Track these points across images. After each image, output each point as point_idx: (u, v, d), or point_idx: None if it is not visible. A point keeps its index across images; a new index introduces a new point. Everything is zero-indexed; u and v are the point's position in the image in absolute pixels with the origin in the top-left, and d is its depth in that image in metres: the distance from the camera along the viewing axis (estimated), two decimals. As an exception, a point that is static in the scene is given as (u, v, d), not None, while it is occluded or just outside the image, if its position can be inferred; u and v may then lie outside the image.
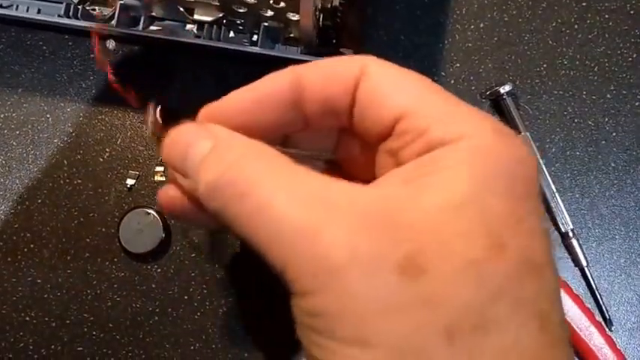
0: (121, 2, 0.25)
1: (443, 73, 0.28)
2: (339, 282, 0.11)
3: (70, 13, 0.26)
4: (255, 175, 0.12)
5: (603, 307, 0.25)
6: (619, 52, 0.27)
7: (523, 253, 0.11)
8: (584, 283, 0.25)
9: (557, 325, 0.12)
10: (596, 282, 0.25)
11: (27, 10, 0.27)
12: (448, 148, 0.12)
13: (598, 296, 0.25)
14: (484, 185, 0.12)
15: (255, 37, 0.25)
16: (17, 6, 0.27)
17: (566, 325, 0.12)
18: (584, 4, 0.28)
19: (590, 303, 0.25)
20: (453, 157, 0.12)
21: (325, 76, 0.14)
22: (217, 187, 0.13)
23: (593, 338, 0.24)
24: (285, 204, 0.12)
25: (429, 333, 0.11)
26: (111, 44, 0.28)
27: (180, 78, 0.28)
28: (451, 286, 0.11)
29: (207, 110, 0.15)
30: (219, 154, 0.13)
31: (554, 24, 0.28)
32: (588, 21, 0.28)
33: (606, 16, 0.28)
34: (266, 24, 0.25)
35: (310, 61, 0.25)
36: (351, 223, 0.11)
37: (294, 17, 0.23)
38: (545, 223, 0.13)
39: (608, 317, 0.25)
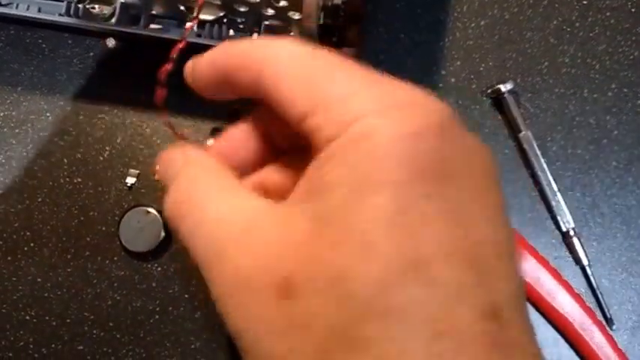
0: (122, 1, 0.25)
1: (443, 72, 0.27)
2: (240, 303, 0.11)
3: (71, 12, 0.26)
4: (193, 199, 0.13)
5: (604, 306, 0.25)
6: (620, 50, 0.27)
7: (399, 251, 0.10)
8: (585, 282, 0.25)
9: (462, 332, 0.10)
10: (597, 281, 0.25)
11: (27, 9, 0.27)
12: (329, 147, 0.12)
13: (599, 295, 0.25)
14: (357, 184, 0.11)
15: (255, 36, 0.25)
16: (17, 5, 0.27)
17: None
18: (585, 2, 0.28)
19: (591, 302, 0.25)
20: (331, 159, 0.11)
21: (237, 65, 0.14)
22: (168, 209, 0.14)
23: (594, 337, 0.24)
24: (205, 229, 0.13)
25: (301, 357, 0.10)
26: (110, 42, 0.28)
27: (181, 77, 0.28)
28: (316, 307, 0.10)
29: (190, 65, 0.16)
30: (180, 175, 0.14)
31: (555, 22, 0.28)
32: (589, 19, 0.28)
33: (608, 14, 0.28)
34: (267, 23, 0.24)
35: None
36: (248, 245, 0.12)
37: (296, 16, 0.23)
38: (451, 206, 0.11)
39: (609, 316, 0.25)
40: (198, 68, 0.15)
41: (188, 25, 0.18)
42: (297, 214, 0.12)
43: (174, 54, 0.16)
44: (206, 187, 0.13)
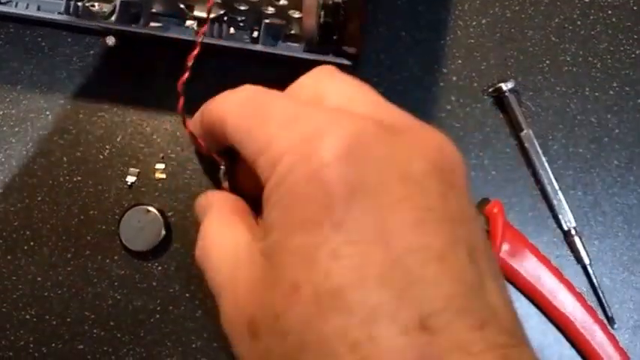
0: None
1: (444, 70, 0.27)
2: (231, 338, 0.13)
3: (70, 10, 0.26)
4: (204, 229, 0.16)
5: (605, 305, 0.25)
6: (622, 48, 0.27)
7: (316, 287, 0.11)
8: (586, 281, 0.25)
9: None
10: (598, 280, 0.25)
11: (26, 7, 0.27)
12: (265, 193, 0.13)
13: (600, 294, 0.25)
14: (283, 225, 0.12)
15: (255, 34, 0.25)
16: (17, 3, 0.27)
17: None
18: (586, 0, 0.28)
19: (592, 301, 0.25)
20: (267, 202, 0.13)
21: (206, 124, 0.17)
22: (196, 250, 0.16)
23: (596, 336, 0.24)
24: (205, 254, 0.15)
25: None
26: (110, 40, 0.28)
27: (180, 75, 0.27)
28: (271, 343, 0.12)
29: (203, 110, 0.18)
30: (202, 223, 0.16)
31: (556, 20, 0.28)
32: (591, 17, 0.28)
33: (609, 12, 0.28)
34: (267, 21, 0.24)
35: (312, 59, 0.25)
36: (233, 284, 0.13)
37: (296, 14, 0.23)
38: (355, 231, 0.11)
39: (610, 315, 0.25)
40: (192, 128, 0.18)
41: (200, 30, 0.18)
42: (257, 252, 0.13)
43: (190, 62, 0.17)
44: (215, 227, 0.15)
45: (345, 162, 0.11)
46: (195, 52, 0.17)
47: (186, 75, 0.17)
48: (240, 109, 0.15)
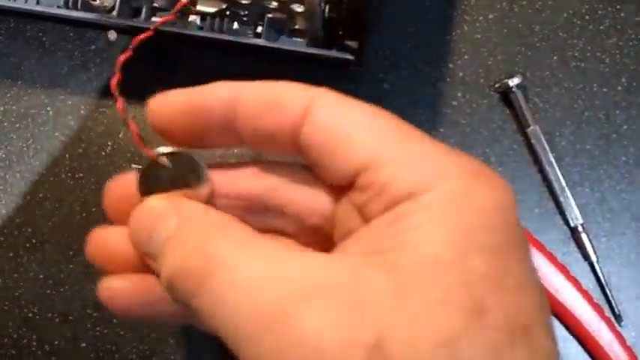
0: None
1: (451, 65, 0.27)
2: None
3: (70, 4, 0.26)
4: (214, 259, 0.11)
5: (613, 303, 0.25)
6: (631, 43, 0.27)
7: (507, 315, 0.10)
8: (593, 279, 0.25)
9: None
10: (605, 277, 0.25)
11: (25, 1, 0.27)
12: (415, 202, 0.11)
13: (608, 292, 0.25)
14: (459, 243, 0.10)
15: (259, 29, 0.25)
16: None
17: None
18: (595, -6, 0.27)
19: (599, 298, 0.25)
20: (421, 213, 0.11)
21: (263, 105, 0.13)
22: (177, 277, 0.11)
23: (603, 334, 0.24)
24: (245, 291, 0.10)
25: None
26: (112, 35, 0.27)
27: (183, 70, 0.27)
28: None
29: (156, 102, 0.14)
30: (181, 236, 0.12)
31: (564, 15, 0.27)
32: (600, 12, 0.27)
33: (618, 6, 0.27)
34: (270, 15, 0.24)
35: (316, 54, 0.25)
36: (316, 305, 0.10)
37: (299, 9, 0.22)
38: (536, 275, 0.11)
39: (617, 313, 0.25)
40: (166, 109, 0.13)
41: (163, 18, 0.16)
42: (371, 270, 0.10)
43: (134, 44, 0.15)
44: (227, 245, 0.11)
45: (509, 205, 0.12)
46: (141, 36, 0.14)
47: (118, 76, 0.15)
48: (354, 112, 0.12)
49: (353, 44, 0.23)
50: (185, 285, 0.11)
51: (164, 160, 0.13)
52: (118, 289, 0.13)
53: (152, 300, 0.13)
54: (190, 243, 0.12)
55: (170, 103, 0.13)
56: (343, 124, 0.12)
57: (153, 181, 0.13)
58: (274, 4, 0.23)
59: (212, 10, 0.24)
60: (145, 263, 0.13)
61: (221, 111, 0.13)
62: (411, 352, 0.10)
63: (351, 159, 0.12)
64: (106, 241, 0.14)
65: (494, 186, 0.11)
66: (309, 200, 0.13)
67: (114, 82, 0.14)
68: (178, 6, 0.16)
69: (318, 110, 0.12)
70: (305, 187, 0.13)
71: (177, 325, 0.12)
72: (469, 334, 0.10)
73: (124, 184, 0.14)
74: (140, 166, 0.13)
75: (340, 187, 0.13)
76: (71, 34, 0.28)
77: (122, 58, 0.14)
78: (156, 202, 0.13)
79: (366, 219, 0.12)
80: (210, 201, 0.13)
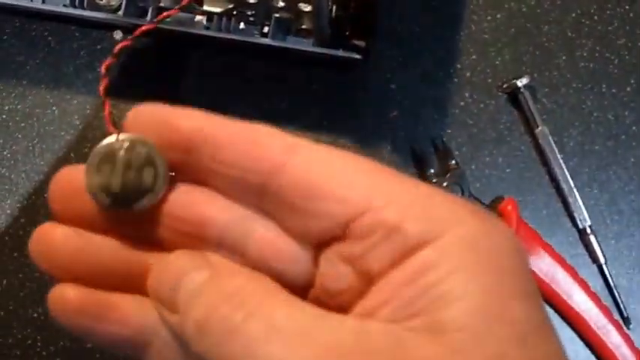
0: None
1: (458, 65, 0.27)
2: None
3: (76, 3, 0.25)
4: (249, 309, 0.10)
5: (621, 305, 0.25)
6: (639, 44, 0.27)
7: (548, 352, 0.10)
8: (601, 281, 0.25)
9: None
10: (614, 279, 0.25)
11: (31, 0, 0.27)
12: (433, 249, 0.10)
13: (616, 294, 0.25)
14: (494, 291, 0.10)
15: (266, 29, 0.25)
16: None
17: None
18: (604, -6, 0.27)
19: (607, 301, 0.25)
20: (444, 262, 0.10)
21: (237, 142, 0.11)
22: (207, 325, 0.11)
23: (611, 336, 0.24)
24: (281, 346, 0.10)
25: None
26: (118, 35, 0.27)
27: (190, 70, 0.27)
28: None
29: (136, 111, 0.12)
30: (217, 286, 0.11)
31: (573, 15, 0.27)
32: (608, 12, 0.27)
33: (627, 7, 0.27)
34: (277, 15, 0.24)
35: (322, 53, 0.25)
36: None
37: (306, 8, 0.22)
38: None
39: (626, 315, 0.25)
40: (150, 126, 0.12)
41: (160, 15, 0.15)
42: (416, 337, 0.10)
43: (117, 49, 0.14)
44: (262, 296, 0.11)
45: (522, 248, 0.11)
46: (144, 27, 0.13)
47: (106, 81, 0.14)
48: (334, 157, 0.11)
49: (360, 43, 0.23)
50: (218, 329, 0.11)
51: (125, 145, 0.12)
52: (72, 299, 0.12)
53: (105, 319, 0.12)
54: (224, 291, 0.11)
55: (147, 113, 0.12)
56: (331, 167, 0.11)
57: (104, 171, 0.12)
58: (281, 3, 0.23)
59: (219, 9, 0.24)
60: (89, 272, 0.12)
61: (189, 134, 0.12)
62: None
63: (344, 201, 0.11)
64: (54, 241, 0.12)
65: (502, 229, 0.11)
66: (276, 241, 0.12)
67: (104, 66, 0.14)
68: (185, 1, 0.16)
69: (300, 154, 0.11)
70: (273, 229, 0.12)
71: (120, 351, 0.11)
72: None
73: (69, 178, 0.13)
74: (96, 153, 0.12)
75: (318, 239, 0.11)
76: (77, 34, 0.27)
77: (121, 45, 0.14)
78: (185, 253, 0.12)
79: (364, 274, 0.11)
80: (157, 217, 0.12)
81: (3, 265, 0.26)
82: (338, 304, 0.11)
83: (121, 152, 0.12)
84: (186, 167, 0.12)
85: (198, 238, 0.12)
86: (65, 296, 0.12)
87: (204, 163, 0.12)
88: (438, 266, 0.10)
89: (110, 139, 0.12)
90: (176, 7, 0.15)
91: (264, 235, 0.12)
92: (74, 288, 0.12)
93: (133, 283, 0.12)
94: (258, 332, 0.10)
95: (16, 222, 0.26)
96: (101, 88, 0.13)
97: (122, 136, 0.12)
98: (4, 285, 0.26)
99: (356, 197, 0.11)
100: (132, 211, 0.12)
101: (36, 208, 0.26)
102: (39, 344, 0.26)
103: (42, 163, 0.27)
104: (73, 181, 0.12)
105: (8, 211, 0.26)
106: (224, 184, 0.12)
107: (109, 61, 0.14)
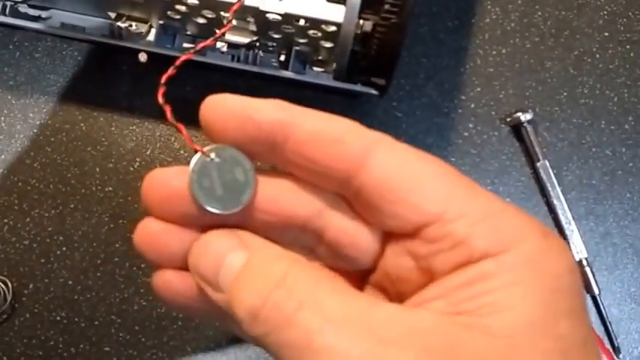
0: (161, 22, 0.26)
1: (463, 97, 0.28)
2: None
3: (115, 34, 0.27)
4: (300, 298, 0.11)
5: (612, 335, 0.26)
6: (639, 83, 0.28)
7: None
8: (594, 310, 0.26)
9: None
10: (606, 310, 0.26)
11: (73, 28, 0.28)
12: (496, 262, 0.11)
13: (608, 324, 0.26)
14: (547, 306, 0.11)
15: (282, 57, 0.26)
16: (62, 23, 0.28)
17: None
18: (606, 34, 0.28)
19: (599, 330, 0.26)
20: (504, 274, 0.11)
21: (322, 138, 0.12)
22: (261, 313, 0.11)
23: (601, 364, 0.25)
24: (337, 336, 0.10)
25: None
26: (143, 57, 0.29)
27: (209, 94, 0.29)
28: None
29: (210, 102, 0.13)
30: (256, 270, 0.11)
31: (575, 53, 0.28)
32: (610, 51, 0.28)
33: (628, 46, 0.28)
34: (297, 49, 0.25)
35: (341, 87, 0.26)
36: (409, 355, 0.10)
37: (327, 44, 0.24)
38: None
39: (616, 345, 0.26)
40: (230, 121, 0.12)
41: (198, 44, 0.16)
42: (464, 330, 0.11)
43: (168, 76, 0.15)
44: (311, 282, 0.11)
45: (576, 269, 0.12)
46: (184, 57, 0.14)
47: (163, 89, 0.15)
48: (421, 160, 0.12)
49: (380, 81, 0.24)
50: (272, 318, 0.11)
51: (213, 156, 0.13)
52: (173, 281, 0.13)
53: (201, 297, 0.13)
54: (269, 280, 0.11)
55: (223, 107, 0.13)
56: (410, 171, 0.12)
57: (205, 184, 0.13)
58: (303, 40, 0.24)
59: (243, 40, 0.26)
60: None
61: (270, 130, 0.12)
62: None
63: (419, 209, 0.11)
64: (158, 236, 0.13)
65: (561, 248, 0.11)
66: (353, 232, 0.13)
67: (160, 93, 0.14)
68: (218, 34, 0.17)
69: (381, 154, 0.12)
70: (349, 218, 0.13)
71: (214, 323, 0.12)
72: None
73: (165, 180, 0.13)
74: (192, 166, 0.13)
75: (390, 232, 0.12)
76: (105, 55, 0.29)
77: (167, 74, 0.15)
78: (220, 234, 0.12)
79: (425, 270, 0.12)
80: (248, 212, 0.13)
81: (30, 270, 0.28)
82: (397, 290, 0.12)
83: (212, 163, 0.13)
84: (270, 156, 0.12)
85: (283, 228, 0.13)
86: (168, 278, 0.13)
87: (287, 156, 0.12)
88: (496, 277, 0.11)
89: (197, 157, 0.13)
90: (211, 38, 0.17)
91: (340, 224, 0.13)
92: (175, 273, 0.13)
93: None
94: (312, 323, 0.10)
95: (43, 230, 0.28)
96: (168, 116, 0.14)
97: (206, 149, 0.13)
98: (30, 289, 0.27)
99: (430, 207, 0.11)
100: (241, 208, 0.13)
101: (62, 218, 0.28)
102: (61, 346, 0.27)
103: (69, 175, 0.29)
104: (164, 185, 0.13)
105: (37, 220, 0.28)
106: (306, 174, 0.12)
107: (162, 89, 0.15)
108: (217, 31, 0.26)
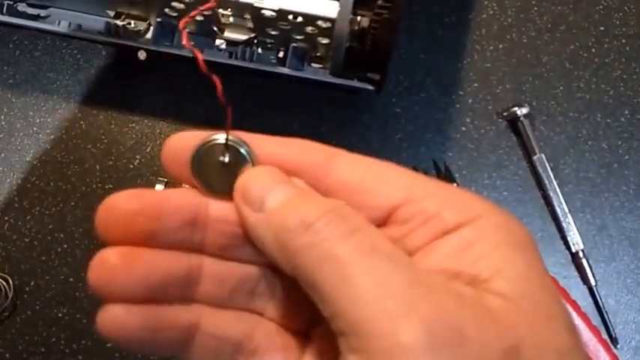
0: (159, 20, 0.26)
1: (461, 92, 0.28)
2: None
3: (112, 32, 0.27)
4: (354, 225, 0.12)
5: (610, 326, 0.26)
6: (635, 77, 0.28)
7: (568, 320, 0.12)
8: (591, 302, 0.26)
9: None
10: (603, 301, 0.26)
11: (69, 26, 0.28)
12: (474, 228, 0.12)
13: (605, 315, 0.26)
14: (529, 263, 0.12)
15: (281, 54, 0.26)
16: (59, 22, 0.28)
17: None
18: (602, 28, 0.29)
19: (596, 321, 0.26)
20: (485, 238, 0.12)
21: (278, 157, 0.13)
22: (316, 224, 0.12)
23: (600, 356, 0.25)
24: (372, 283, 0.11)
25: None
26: (142, 55, 0.29)
27: (209, 91, 0.29)
28: None
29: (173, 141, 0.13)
30: (311, 194, 0.13)
31: (571, 47, 0.28)
32: (605, 45, 0.28)
33: (623, 40, 0.28)
34: (295, 45, 0.25)
35: (337, 83, 0.26)
36: (447, 303, 0.11)
37: (324, 41, 0.24)
38: None
39: (614, 336, 0.26)
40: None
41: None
42: (479, 291, 0.11)
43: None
44: (350, 232, 0.12)
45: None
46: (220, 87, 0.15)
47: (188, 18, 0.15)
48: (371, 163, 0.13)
49: (375, 76, 0.24)
50: (327, 228, 0.11)
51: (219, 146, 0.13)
52: (121, 316, 0.12)
53: (156, 327, 0.12)
54: (326, 202, 0.12)
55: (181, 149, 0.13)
56: (371, 169, 0.13)
57: (205, 163, 0.13)
58: (301, 36, 0.24)
59: (240, 38, 0.26)
60: (156, 283, 0.12)
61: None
62: (540, 357, 0.11)
63: (388, 195, 0.12)
64: (119, 265, 0.12)
65: (516, 220, 0.13)
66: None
67: (184, 38, 0.14)
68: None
69: (343, 160, 0.13)
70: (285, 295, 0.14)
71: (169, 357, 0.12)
72: (579, 347, 0.11)
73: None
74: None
75: None
76: (104, 53, 0.29)
77: (185, 19, 0.15)
78: (270, 168, 0.13)
79: (406, 248, 0.12)
80: (203, 222, 0.13)
81: (31, 267, 0.28)
82: None
83: (216, 156, 0.14)
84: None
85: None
86: (122, 316, 0.12)
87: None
88: (480, 242, 0.12)
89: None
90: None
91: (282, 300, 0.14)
92: (127, 307, 0.12)
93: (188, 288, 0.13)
94: (364, 246, 0.11)
95: (44, 228, 0.28)
96: (201, 64, 0.14)
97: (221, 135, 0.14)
98: (32, 286, 0.28)
99: (396, 192, 0.13)
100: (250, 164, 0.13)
101: (63, 216, 0.28)
102: (62, 342, 0.27)
103: (69, 173, 0.29)
104: (116, 207, 0.13)
105: (37, 218, 0.28)
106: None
107: (184, 34, 0.15)
108: (215, 29, 0.26)
